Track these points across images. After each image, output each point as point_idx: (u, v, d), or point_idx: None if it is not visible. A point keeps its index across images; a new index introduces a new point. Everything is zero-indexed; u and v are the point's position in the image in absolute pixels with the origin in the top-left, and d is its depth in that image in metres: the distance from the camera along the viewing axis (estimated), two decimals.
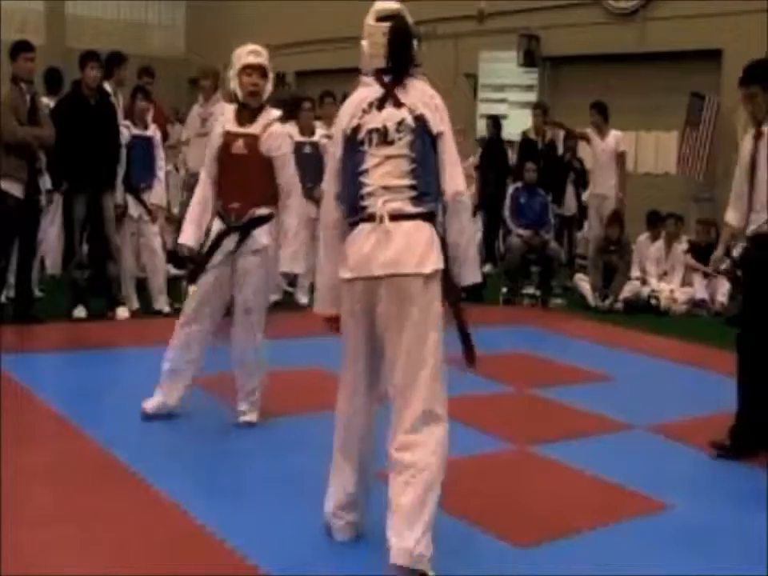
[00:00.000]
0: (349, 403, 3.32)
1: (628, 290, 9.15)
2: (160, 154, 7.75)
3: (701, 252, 9.42)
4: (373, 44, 3.30)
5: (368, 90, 3.29)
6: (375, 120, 3.21)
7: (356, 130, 3.22)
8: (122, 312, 7.30)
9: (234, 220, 4.62)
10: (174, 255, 7.66)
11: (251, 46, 4.68)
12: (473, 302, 7.57)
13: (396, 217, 3.13)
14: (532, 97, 13.23)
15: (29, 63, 6.76)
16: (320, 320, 3.51)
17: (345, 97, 10.59)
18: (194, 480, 4.05)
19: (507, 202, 9.27)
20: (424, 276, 3.10)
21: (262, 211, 4.65)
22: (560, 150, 10.52)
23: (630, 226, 9.61)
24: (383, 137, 3.18)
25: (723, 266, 5.17)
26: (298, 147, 8.28)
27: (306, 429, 4.72)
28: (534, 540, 3.52)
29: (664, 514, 3.92)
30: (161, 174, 7.74)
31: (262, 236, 4.64)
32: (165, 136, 8.48)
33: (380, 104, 3.23)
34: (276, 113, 4.77)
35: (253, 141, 4.62)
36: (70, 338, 6.79)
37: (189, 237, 4.75)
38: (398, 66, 3.26)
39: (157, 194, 7.67)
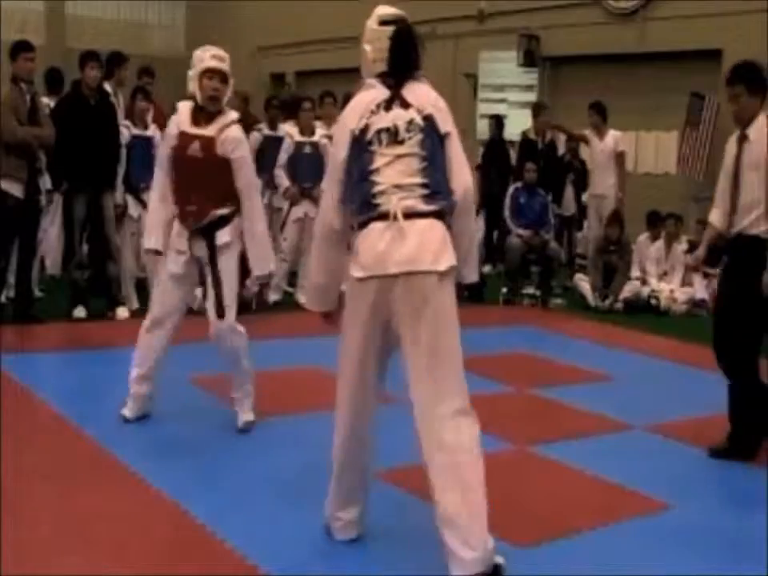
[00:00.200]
0: (351, 402, 3.28)
1: (628, 290, 9.15)
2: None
3: None
4: (376, 48, 3.29)
5: (374, 92, 3.28)
6: (384, 120, 3.20)
7: (364, 130, 3.20)
8: (122, 312, 7.30)
9: (195, 222, 4.54)
10: None
11: (214, 50, 4.58)
12: (473, 302, 7.59)
13: (410, 215, 3.11)
14: (532, 97, 13.22)
15: (29, 63, 6.76)
16: (317, 316, 3.52)
17: (346, 97, 10.63)
18: (194, 480, 4.05)
19: (507, 201, 9.27)
20: (439, 273, 3.10)
21: (222, 211, 4.57)
22: (561, 151, 10.53)
23: (629, 226, 9.61)
24: (393, 136, 3.18)
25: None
26: (298, 147, 8.31)
27: (305, 429, 4.72)
28: (534, 540, 3.52)
29: (664, 514, 3.92)
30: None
31: (224, 234, 4.57)
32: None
33: (387, 105, 3.22)
34: (234, 115, 4.66)
35: (209, 143, 4.51)
36: (70, 338, 6.79)
37: (156, 241, 4.69)
38: (404, 68, 3.27)
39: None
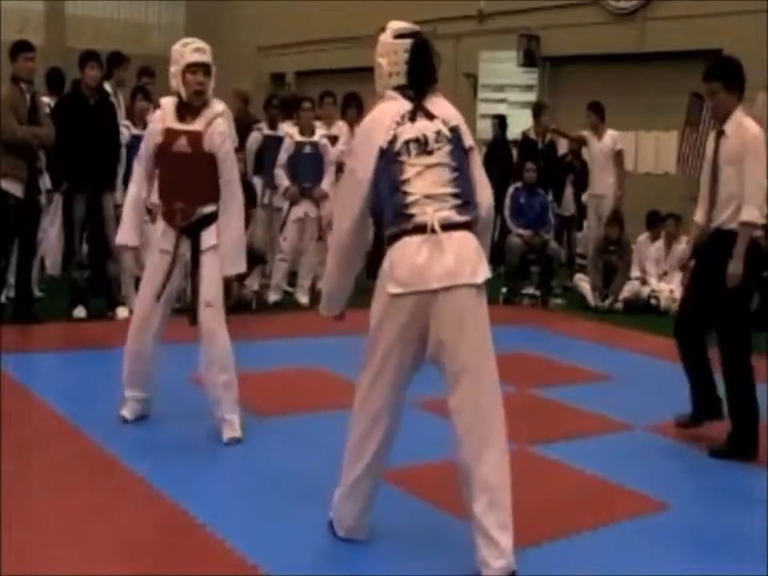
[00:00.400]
0: (376, 417, 3.24)
1: (628, 290, 9.15)
2: None
3: None
4: (392, 62, 3.27)
5: (396, 104, 3.25)
6: (411, 130, 3.18)
7: (392, 141, 3.17)
8: (122, 312, 7.29)
9: (181, 220, 4.47)
10: None
11: (196, 43, 4.46)
12: None
13: (446, 226, 3.09)
14: (532, 97, 13.22)
15: (29, 63, 6.76)
16: (320, 319, 3.52)
17: (346, 97, 10.54)
18: (193, 480, 4.05)
19: (507, 201, 9.27)
20: (477, 286, 3.11)
21: (209, 209, 4.51)
22: (561, 151, 10.52)
23: (629, 226, 9.61)
24: (423, 146, 3.16)
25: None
26: (298, 147, 8.31)
27: (305, 429, 4.73)
28: (534, 540, 3.52)
29: (664, 514, 3.92)
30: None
31: (211, 235, 4.49)
32: None
33: (412, 116, 3.21)
34: (220, 107, 4.57)
35: (197, 138, 4.43)
36: (70, 338, 6.79)
37: (129, 237, 4.66)
38: (424, 81, 3.26)
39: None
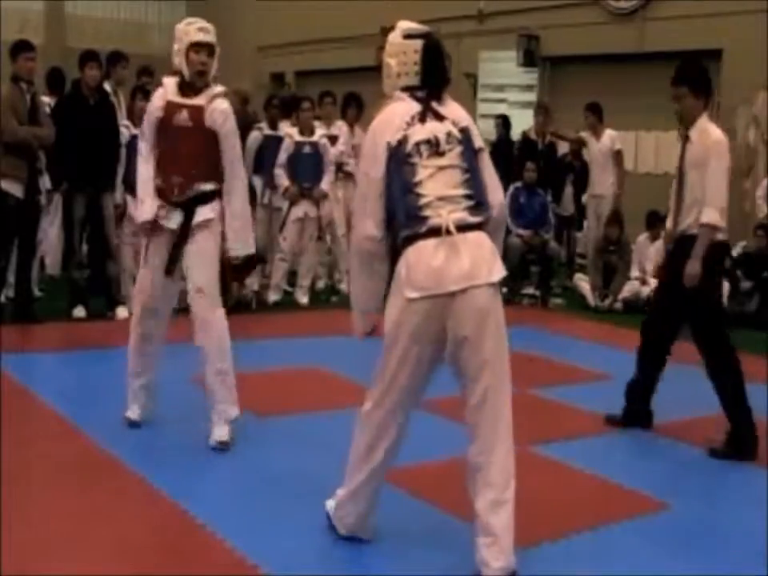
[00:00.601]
0: (386, 425, 3.24)
1: (628, 290, 9.15)
2: None
3: None
4: (401, 62, 3.26)
5: (404, 105, 3.24)
6: (422, 132, 3.16)
7: (402, 141, 3.15)
8: (122, 312, 7.29)
9: (177, 195, 4.37)
10: None
11: (200, 23, 4.41)
12: None
13: (460, 228, 3.08)
14: (532, 97, 13.23)
15: (29, 63, 6.76)
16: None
17: (346, 97, 10.54)
18: (193, 480, 4.05)
19: (507, 201, 9.25)
20: (494, 285, 3.12)
21: (207, 186, 4.41)
22: (561, 151, 10.52)
23: (629, 226, 9.61)
24: (435, 147, 3.15)
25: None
26: (298, 147, 8.31)
27: (305, 428, 4.72)
28: (534, 540, 3.52)
29: (664, 514, 3.92)
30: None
31: (207, 211, 4.39)
32: None
33: (422, 117, 3.20)
34: (221, 88, 4.49)
35: (198, 112, 4.36)
36: (70, 338, 6.79)
37: (151, 211, 4.46)
38: (435, 81, 3.26)
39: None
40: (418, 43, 3.26)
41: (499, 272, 3.14)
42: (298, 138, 8.32)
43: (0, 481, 3.78)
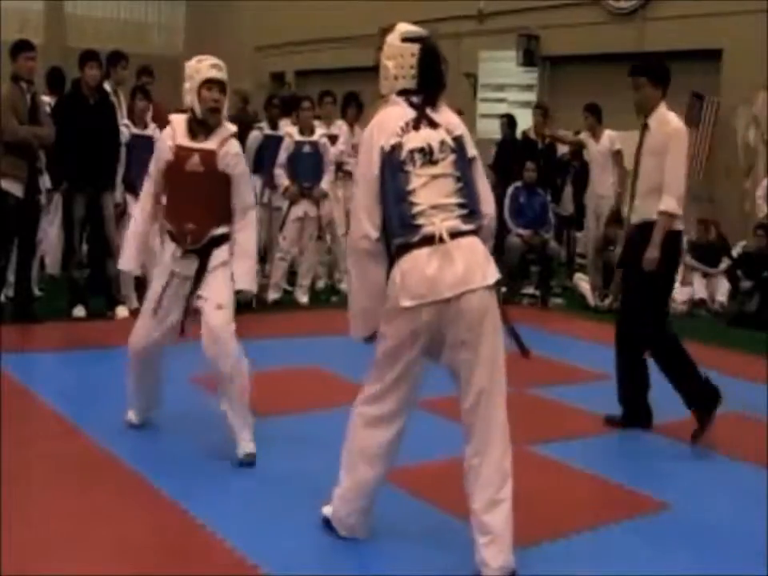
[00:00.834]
0: (378, 424, 3.28)
1: None
2: None
3: (700, 252, 9.45)
4: (399, 65, 3.26)
5: (399, 110, 3.25)
6: (416, 139, 3.18)
7: (396, 147, 3.17)
8: (122, 311, 7.30)
9: (191, 243, 4.27)
10: None
11: (211, 59, 4.27)
12: None
13: (454, 235, 3.11)
14: (532, 96, 13.23)
15: (30, 63, 6.76)
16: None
17: (346, 97, 10.50)
18: (193, 479, 4.05)
19: (507, 201, 9.27)
20: (489, 287, 3.14)
21: (221, 231, 4.31)
22: (560, 151, 10.52)
23: None
24: (428, 156, 3.16)
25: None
26: (298, 146, 8.31)
27: (305, 428, 4.72)
28: (534, 540, 3.52)
29: (664, 514, 3.92)
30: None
31: (222, 253, 4.31)
32: None
33: (416, 124, 3.21)
34: (232, 128, 4.38)
35: (210, 157, 4.23)
36: (70, 338, 6.79)
37: (131, 261, 4.48)
38: (430, 86, 3.26)
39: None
40: (416, 47, 3.26)
41: (494, 275, 3.16)
42: (298, 137, 8.32)
43: (0, 481, 3.78)
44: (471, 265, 3.10)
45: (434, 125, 3.22)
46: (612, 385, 6.10)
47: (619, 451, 4.75)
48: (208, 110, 4.23)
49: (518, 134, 11.01)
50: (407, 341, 3.14)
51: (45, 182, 7.20)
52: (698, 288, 9.28)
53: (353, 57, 13.96)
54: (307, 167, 8.29)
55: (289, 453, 4.41)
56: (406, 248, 3.12)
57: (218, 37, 17.89)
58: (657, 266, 4.79)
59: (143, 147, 7.53)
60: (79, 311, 7.26)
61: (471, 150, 3.28)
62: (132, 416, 4.67)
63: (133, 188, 7.54)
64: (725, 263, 9.49)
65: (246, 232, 4.34)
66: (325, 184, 8.38)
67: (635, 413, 5.10)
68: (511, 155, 10.65)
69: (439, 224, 3.10)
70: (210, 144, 4.26)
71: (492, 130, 11.73)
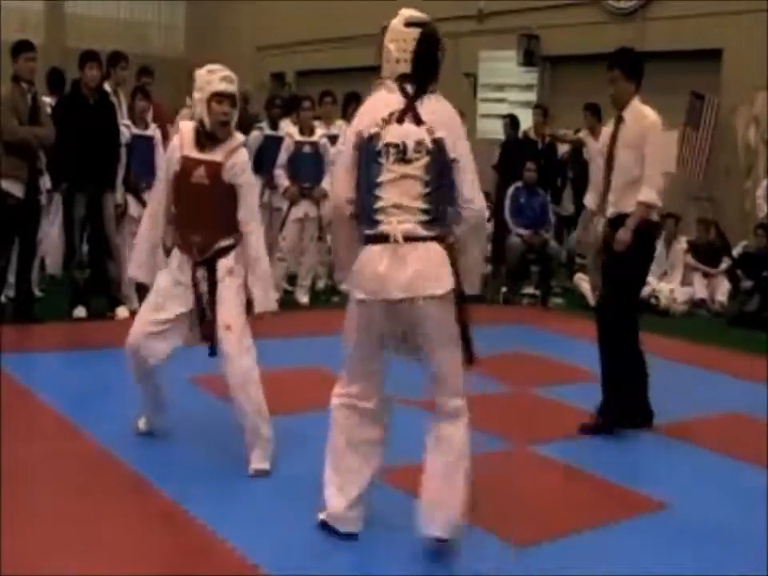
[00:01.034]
0: (352, 408, 3.43)
1: None
2: (161, 153, 7.73)
3: (701, 252, 9.45)
4: (401, 48, 3.30)
5: (390, 97, 3.29)
6: (394, 134, 3.22)
7: (374, 137, 3.23)
8: (122, 312, 7.29)
9: (197, 255, 4.20)
10: None
11: (222, 71, 4.17)
12: (473, 302, 7.58)
13: (409, 239, 3.17)
14: (532, 96, 13.22)
15: (30, 63, 6.76)
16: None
17: (346, 97, 10.47)
18: (194, 480, 4.05)
19: (507, 201, 9.27)
20: (438, 297, 3.18)
21: (227, 242, 4.24)
22: (560, 151, 10.51)
23: None
24: (402, 154, 3.21)
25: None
26: (298, 147, 8.31)
27: (305, 429, 4.71)
28: (534, 540, 3.53)
29: (664, 514, 3.93)
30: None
31: (229, 261, 4.23)
32: (165, 135, 8.49)
33: (400, 117, 3.24)
34: (241, 138, 4.33)
35: (215, 168, 4.15)
36: (70, 338, 6.80)
37: (141, 270, 4.42)
38: (424, 74, 3.29)
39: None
40: (416, 31, 3.30)
41: (446, 285, 3.20)
42: (298, 137, 8.32)
43: (0, 481, 3.78)
44: (421, 272, 3.17)
45: (418, 121, 3.24)
46: None
47: (619, 451, 4.74)
48: (217, 122, 4.15)
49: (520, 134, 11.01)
50: (363, 330, 3.29)
51: (45, 182, 7.20)
52: (699, 288, 9.28)
53: (353, 57, 13.96)
54: (307, 167, 8.29)
55: (289, 453, 4.41)
56: (367, 239, 3.26)
57: (218, 37, 17.91)
58: (628, 250, 4.75)
59: (144, 147, 7.57)
60: (80, 312, 7.26)
61: (454, 152, 3.26)
62: (141, 423, 4.62)
63: (133, 188, 7.57)
64: (725, 263, 9.49)
65: (256, 251, 4.27)
66: (325, 184, 8.37)
67: (621, 413, 5.00)
68: (515, 154, 10.63)
69: (395, 225, 3.17)
70: (216, 156, 4.18)
71: (492, 130, 11.71)
